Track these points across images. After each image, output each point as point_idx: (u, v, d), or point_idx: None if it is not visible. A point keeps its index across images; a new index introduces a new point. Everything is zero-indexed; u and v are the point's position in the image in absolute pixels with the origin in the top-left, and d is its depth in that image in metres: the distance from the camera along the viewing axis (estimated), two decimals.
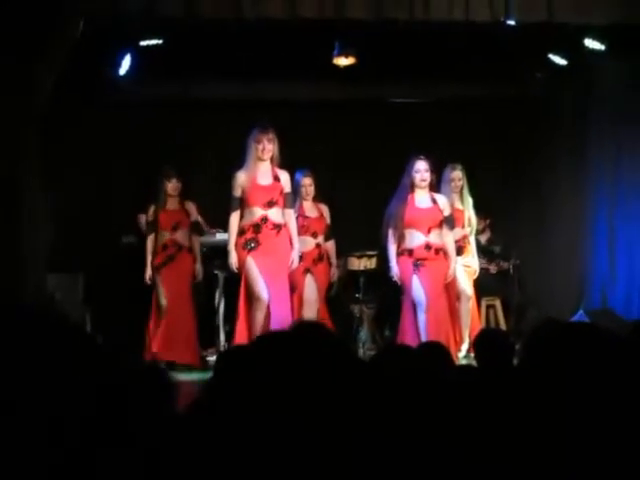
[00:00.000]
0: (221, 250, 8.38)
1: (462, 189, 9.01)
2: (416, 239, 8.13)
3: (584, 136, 9.80)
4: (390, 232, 8.17)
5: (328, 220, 9.09)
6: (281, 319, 7.49)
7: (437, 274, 8.10)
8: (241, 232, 7.87)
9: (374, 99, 10.48)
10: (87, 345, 2.04)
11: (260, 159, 7.88)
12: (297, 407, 2.05)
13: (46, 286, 7.68)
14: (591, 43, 8.89)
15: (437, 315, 8.00)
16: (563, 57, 9.59)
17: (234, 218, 7.90)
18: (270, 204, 7.87)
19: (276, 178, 7.93)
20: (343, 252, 9.50)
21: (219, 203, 8.67)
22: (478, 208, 9.17)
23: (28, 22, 6.88)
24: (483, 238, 10.02)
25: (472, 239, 9.12)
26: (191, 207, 8.99)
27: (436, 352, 3.91)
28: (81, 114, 9.64)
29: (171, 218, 8.87)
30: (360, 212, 10.17)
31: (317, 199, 9.07)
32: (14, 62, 6.93)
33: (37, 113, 7.23)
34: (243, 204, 7.90)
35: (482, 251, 9.67)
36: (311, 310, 8.56)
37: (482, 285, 9.24)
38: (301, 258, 8.36)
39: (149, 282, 8.76)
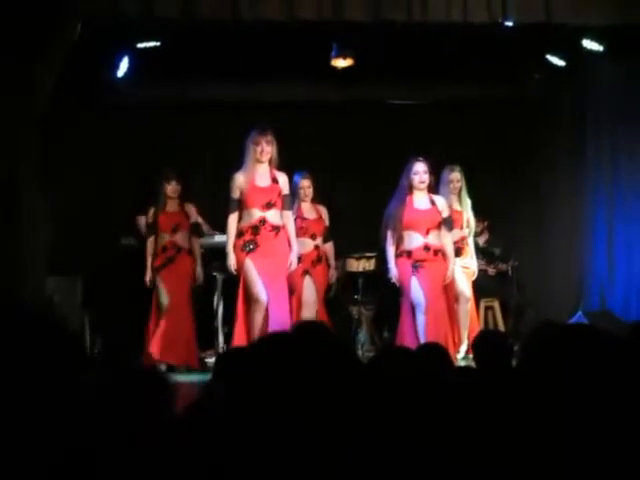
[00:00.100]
0: (220, 252, 8.37)
1: (461, 190, 9.00)
2: (415, 241, 8.13)
3: (583, 137, 9.80)
4: (389, 234, 8.17)
5: (327, 222, 9.09)
6: (280, 321, 7.49)
7: (436, 275, 8.10)
8: (239, 234, 7.87)
9: (372, 101, 10.47)
10: (81, 348, 2.04)
11: (258, 161, 7.88)
12: (296, 409, 2.05)
13: (45, 289, 7.68)
14: (589, 44, 8.90)
15: (436, 316, 8.00)
16: (561, 58, 9.59)
17: (232, 220, 7.90)
18: (268, 206, 7.87)
19: (274, 180, 7.93)
20: (342, 254, 9.49)
21: (217, 205, 8.67)
22: (477, 209, 9.17)
23: (28, 22, 6.88)
24: (481, 239, 10.02)
25: (471, 240, 9.12)
26: (191, 209, 8.99)
27: (435, 353, 3.91)
28: (80, 116, 9.64)
29: (171, 220, 8.87)
30: (359, 214, 10.17)
31: (316, 201, 9.07)
32: (14, 62, 6.94)
33: (37, 113, 7.24)
34: (241, 206, 7.90)
35: (481, 252, 9.67)
36: (310, 312, 8.56)
37: (481, 286, 9.24)
38: (300, 260, 8.36)
39: (149, 284, 8.76)
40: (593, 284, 9.65)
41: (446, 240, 8.25)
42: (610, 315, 8.84)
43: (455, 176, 8.97)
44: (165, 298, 8.69)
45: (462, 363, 7.90)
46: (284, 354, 2.16)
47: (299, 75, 9.76)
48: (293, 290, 8.46)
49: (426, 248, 8.11)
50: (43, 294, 7.55)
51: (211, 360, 8.75)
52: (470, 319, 8.73)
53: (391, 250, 8.16)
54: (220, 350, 8.90)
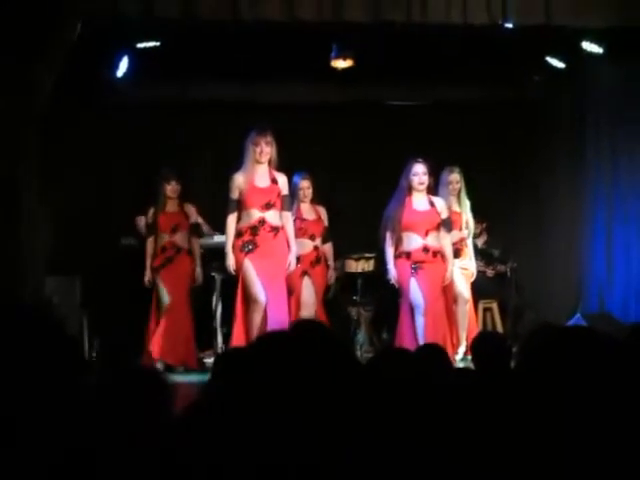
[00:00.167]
0: (219, 252, 8.37)
1: (460, 192, 9.01)
2: (414, 242, 8.13)
3: (582, 139, 9.80)
4: (388, 235, 8.17)
5: (326, 222, 9.09)
6: (278, 321, 7.50)
7: (435, 277, 8.10)
8: (238, 234, 7.87)
9: (372, 101, 10.47)
10: (78, 350, 2.04)
11: (258, 161, 7.88)
12: (295, 408, 2.05)
13: (44, 289, 7.68)
14: (589, 46, 8.90)
15: (435, 318, 8.00)
16: (561, 60, 9.59)
17: (231, 220, 7.90)
18: (268, 206, 7.87)
19: (274, 180, 7.93)
20: (341, 254, 9.49)
21: (217, 205, 8.67)
22: (476, 211, 9.17)
23: (28, 22, 6.88)
24: (480, 241, 10.02)
25: (470, 242, 9.13)
26: (190, 209, 8.99)
27: (434, 355, 3.91)
28: (80, 116, 9.64)
29: (170, 220, 8.87)
30: (358, 214, 10.17)
31: (315, 201, 9.07)
32: (14, 62, 6.94)
33: (37, 113, 7.24)
34: (240, 206, 7.90)
35: (480, 254, 9.67)
36: (308, 312, 8.56)
37: (479, 288, 9.24)
38: (298, 260, 8.36)
39: (148, 284, 8.77)
40: (592, 286, 9.65)
41: (445, 241, 8.26)
42: (609, 317, 8.84)
43: (454, 177, 8.98)
44: (165, 298, 8.69)
45: (461, 364, 7.91)
46: (282, 353, 2.16)
47: (299, 76, 9.76)
48: (292, 291, 8.47)
49: (425, 249, 8.12)
50: (42, 294, 7.54)
51: (210, 360, 8.75)
52: (469, 320, 8.74)
53: (390, 251, 8.17)
54: (219, 350, 8.90)
